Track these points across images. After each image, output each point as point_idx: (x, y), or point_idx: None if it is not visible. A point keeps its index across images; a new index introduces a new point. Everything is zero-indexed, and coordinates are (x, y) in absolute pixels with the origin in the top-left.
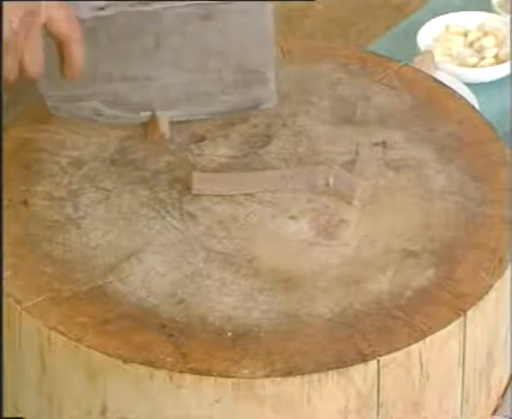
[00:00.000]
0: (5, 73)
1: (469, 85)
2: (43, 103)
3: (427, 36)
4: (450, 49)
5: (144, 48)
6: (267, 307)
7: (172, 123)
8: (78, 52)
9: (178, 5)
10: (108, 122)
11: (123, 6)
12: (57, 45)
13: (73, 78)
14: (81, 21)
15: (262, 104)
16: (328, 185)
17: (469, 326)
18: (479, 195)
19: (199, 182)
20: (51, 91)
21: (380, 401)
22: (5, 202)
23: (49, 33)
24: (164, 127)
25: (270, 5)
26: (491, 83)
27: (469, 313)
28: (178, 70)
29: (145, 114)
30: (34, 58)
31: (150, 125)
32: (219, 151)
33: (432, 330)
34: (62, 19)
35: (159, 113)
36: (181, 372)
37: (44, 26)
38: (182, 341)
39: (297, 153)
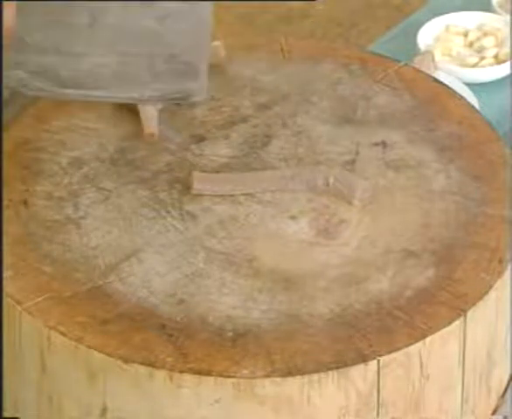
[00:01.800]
0: None
1: (469, 85)
2: (43, 103)
3: (427, 36)
4: (450, 49)
5: (79, 24)
6: (267, 307)
7: (172, 123)
8: (10, 18)
9: None
10: (32, 95)
11: None
12: None
13: (5, 44)
14: None
15: (192, 96)
16: (328, 185)
17: (469, 326)
18: (479, 195)
19: (199, 182)
20: None
21: (380, 401)
22: (5, 202)
23: None
24: (153, 127)
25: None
26: (491, 83)
27: (469, 313)
28: (110, 51)
29: (71, 91)
30: None
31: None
32: (219, 151)
33: (432, 330)
34: None
35: (143, 110)
36: (181, 372)
37: None
38: (182, 341)
39: (297, 153)
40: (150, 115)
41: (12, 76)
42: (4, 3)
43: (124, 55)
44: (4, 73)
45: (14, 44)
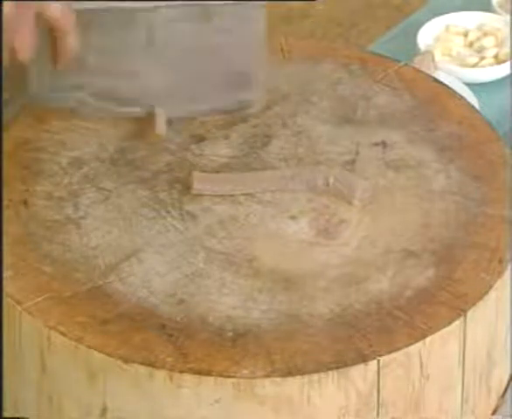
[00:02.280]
0: None
1: (469, 85)
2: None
3: (427, 36)
4: (450, 49)
5: (135, 43)
6: (267, 307)
7: (171, 123)
8: (71, 42)
9: (172, 4)
10: (92, 115)
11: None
12: (50, 34)
13: (64, 67)
14: (75, 12)
15: (248, 107)
16: (328, 185)
17: (469, 326)
18: (479, 195)
19: (199, 182)
20: (39, 78)
21: (380, 401)
22: (5, 202)
23: (43, 21)
24: (161, 128)
25: (264, 10)
26: (491, 83)
27: (469, 313)
28: (167, 67)
29: (131, 109)
30: (25, 42)
31: (147, 125)
32: (219, 151)
33: (432, 330)
34: (55, 8)
35: (157, 112)
36: (181, 372)
37: (38, 14)
38: (182, 341)
39: (297, 153)
40: (160, 116)
41: (72, 97)
42: (4, 2)
43: (180, 71)
44: (63, 95)
45: (73, 65)
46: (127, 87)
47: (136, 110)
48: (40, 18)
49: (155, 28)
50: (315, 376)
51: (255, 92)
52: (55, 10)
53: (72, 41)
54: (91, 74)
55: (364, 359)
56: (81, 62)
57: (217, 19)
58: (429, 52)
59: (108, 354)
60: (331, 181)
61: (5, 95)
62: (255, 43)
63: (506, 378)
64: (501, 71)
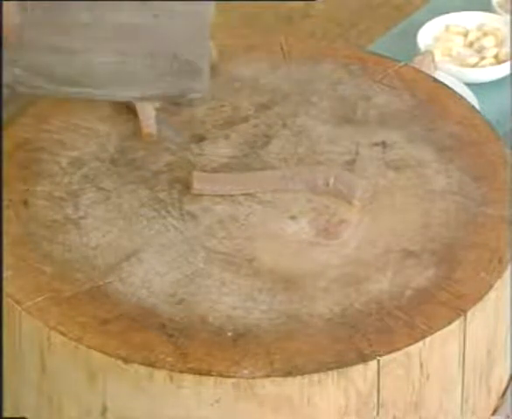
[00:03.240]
0: None
1: (469, 85)
2: (43, 103)
3: (427, 36)
4: (450, 49)
5: (77, 22)
6: (267, 307)
7: (172, 123)
8: (11, 13)
9: None
10: (28, 93)
11: None
12: None
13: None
14: None
15: (194, 95)
16: (328, 185)
17: (469, 326)
18: (479, 195)
19: (199, 181)
20: None
21: (380, 401)
22: (5, 202)
23: None
24: (151, 126)
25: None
26: (491, 83)
27: (469, 313)
28: (109, 49)
29: (68, 89)
30: None
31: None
32: (219, 151)
33: (432, 330)
34: None
35: (141, 109)
36: (181, 372)
37: None
38: (182, 341)
39: (297, 153)
40: (148, 115)
41: (9, 73)
42: (4, 3)
43: (123, 54)
44: (1, 70)
45: (11, 40)
46: (65, 66)
47: (78, 91)
48: None
49: (96, 7)
50: (315, 376)
51: (201, 80)
52: None
53: (12, 15)
54: (27, 49)
55: (364, 359)
56: (19, 37)
57: (161, 3)
58: (429, 52)
59: (108, 354)
60: (331, 181)
61: (5, 95)
62: (202, 31)
63: (506, 378)
64: (501, 71)
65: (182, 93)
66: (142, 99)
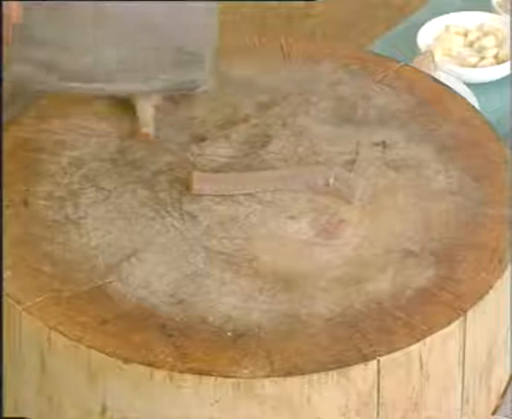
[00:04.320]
0: None
1: (469, 85)
2: (43, 103)
3: (427, 36)
4: (450, 49)
5: (83, 17)
6: (267, 307)
7: (172, 123)
8: (15, 12)
9: None
10: (37, 89)
11: None
12: None
13: (8, 38)
14: None
15: (199, 86)
16: (328, 185)
17: (469, 326)
18: (479, 195)
19: (199, 181)
20: None
21: (380, 401)
22: (5, 202)
23: None
24: (149, 127)
25: None
26: (491, 83)
27: (469, 313)
28: (115, 44)
29: (77, 85)
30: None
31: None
32: (219, 151)
33: (432, 330)
34: None
35: (140, 109)
36: (181, 372)
37: None
38: (182, 341)
39: (297, 153)
40: (146, 115)
41: (17, 70)
42: (4, 3)
43: (129, 48)
44: (8, 67)
45: (18, 37)
46: (73, 61)
47: (86, 87)
48: None
49: (102, 2)
50: (315, 376)
51: (206, 72)
52: None
53: (16, 11)
54: (35, 45)
55: (364, 359)
56: (26, 33)
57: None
58: (429, 52)
59: (108, 354)
60: (331, 181)
61: (5, 95)
62: (207, 23)
63: (506, 378)
64: (501, 71)
65: (187, 85)
66: (148, 91)
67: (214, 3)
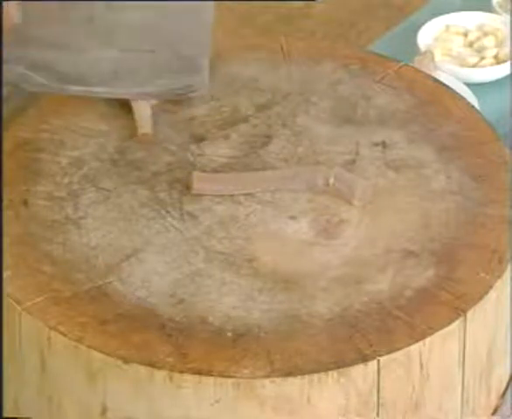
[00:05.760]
0: None
1: (469, 85)
2: (43, 103)
3: (427, 36)
4: (450, 49)
5: (79, 19)
6: (267, 307)
7: (172, 123)
8: (11, 12)
9: None
10: (33, 90)
11: None
12: None
13: (4, 38)
14: None
15: (194, 91)
16: (328, 185)
17: (469, 326)
18: (479, 195)
19: (199, 181)
20: None
21: (380, 401)
22: (5, 202)
23: None
24: (147, 127)
25: None
26: (491, 83)
27: (469, 313)
28: (111, 46)
29: (72, 87)
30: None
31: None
32: (219, 151)
33: (432, 330)
34: None
35: (137, 110)
36: (181, 372)
37: None
38: (182, 341)
39: (297, 153)
40: (144, 115)
41: (13, 71)
42: (5, 3)
43: (125, 51)
44: (4, 68)
45: (15, 38)
46: (68, 63)
47: (81, 89)
48: None
49: (98, 5)
50: (315, 376)
51: (202, 75)
52: None
53: (14, 10)
54: (31, 47)
55: (364, 359)
56: (23, 34)
57: (164, 3)
58: (429, 52)
59: (108, 354)
60: (331, 181)
61: (5, 92)
62: (202, 27)
63: (506, 378)
64: (501, 71)
65: (182, 90)
66: (143, 95)
67: (210, 8)
